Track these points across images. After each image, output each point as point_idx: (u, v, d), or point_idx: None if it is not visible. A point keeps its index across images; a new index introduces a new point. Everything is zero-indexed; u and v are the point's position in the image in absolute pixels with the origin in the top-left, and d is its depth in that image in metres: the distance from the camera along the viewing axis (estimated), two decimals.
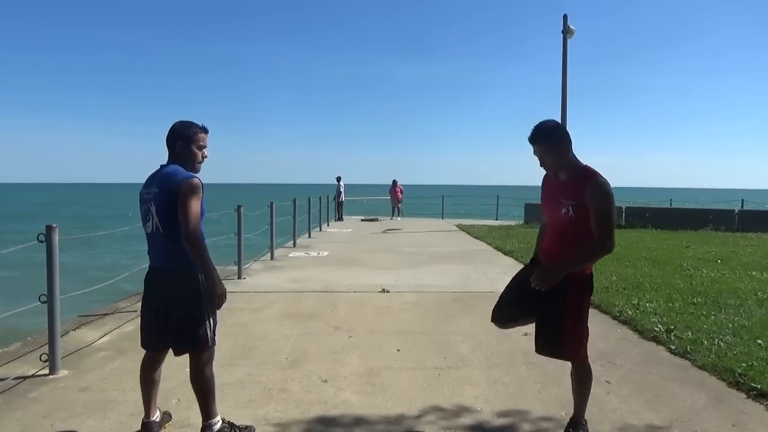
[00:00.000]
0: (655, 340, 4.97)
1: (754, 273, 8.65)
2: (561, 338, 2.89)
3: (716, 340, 4.77)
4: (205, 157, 2.97)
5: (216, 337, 2.93)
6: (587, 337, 2.96)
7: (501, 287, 3.23)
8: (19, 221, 32.93)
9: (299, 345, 4.82)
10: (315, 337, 5.08)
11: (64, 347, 4.33)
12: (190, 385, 2.92)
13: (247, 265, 9.14)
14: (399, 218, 22.69)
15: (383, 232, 17.12)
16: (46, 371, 4.01)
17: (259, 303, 6.50)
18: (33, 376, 3.97)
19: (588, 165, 2.86)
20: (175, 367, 3.54)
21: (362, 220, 22.20)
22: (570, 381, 3.08)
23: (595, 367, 4.22)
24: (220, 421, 2.97)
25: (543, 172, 3.03)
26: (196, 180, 2.78)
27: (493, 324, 3.12)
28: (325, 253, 11.51)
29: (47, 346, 4.06)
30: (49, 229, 4.03)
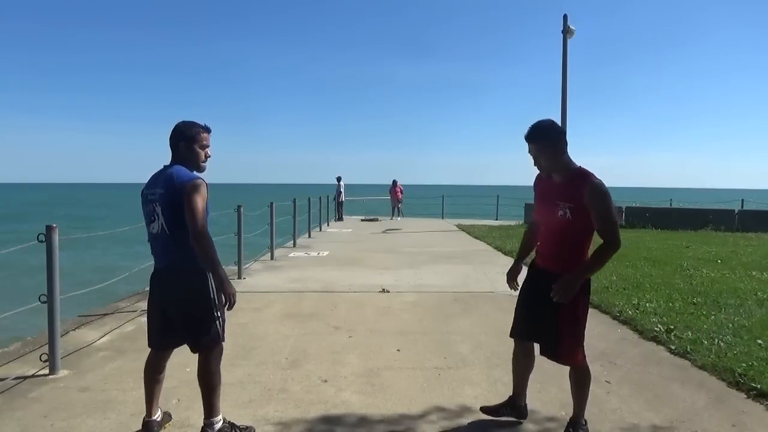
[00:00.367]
0: (655, 340, 4.97)
1: (754, 273, 8.65)
2: (559, 343, 2.90)
3: (716, 340, 4.77)
4: (209, 156, 2.98)
5: (224, 334, 2.95)
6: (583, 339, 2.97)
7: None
8: (4, 222, 32.05)
9: (299, 345, 4.82)
10: (315, 337, 5.08)
11: (64, 347, 4.33)
12: (191, 384, 2.92)
13: (247, 265, 9.14)
14: (399, 218, 22.69)
15: (383, 232, 17.12)
16: (46, 371, 4.01)
17: (259, 303, 6.50)
18: (33, 376, 3.97)
19: (582, 166, 2.86)
20: (176, 367, 3.54)
21: (362, 220, 22.20)
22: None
23: (595, 367, 4.23)
24: (222, 420, 2.97)
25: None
26: (200, 180, 2.80)
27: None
28: (325, 253, 11.51)
29: (47, 346, 4.06)
30: (49, 229, 4.03)
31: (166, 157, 2.96)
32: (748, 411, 3.45)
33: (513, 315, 3.21)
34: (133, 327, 5.33)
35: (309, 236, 15.06)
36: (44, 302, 4.03)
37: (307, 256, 11.08)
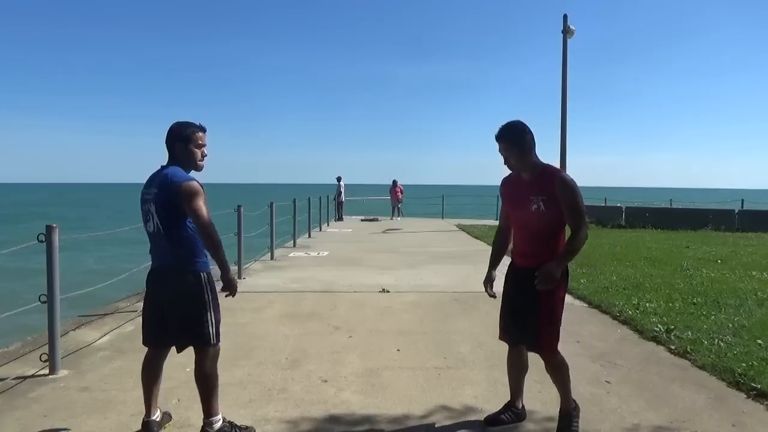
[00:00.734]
0: (655, 340, 4.97)
1: (754, 273, 8.65)
2: (539, 332, 2.97)
3: (716, 340, 4.77)
4: (205, 155, 3.00)
5: (219, 335, 2.96)
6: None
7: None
8: None
9: (299, 345, 4.82)
10: (315, 337, 5.08)
11: (64, 347, 4.33)
12: (191, 384, 2.93)
13: (247, 265, 9.15)
14: (399, 218, 22.70)
15: (383, 232, 17.13)
16: (46, 371, 4.01)
17: (259, 303, 6.49)
18: (33, 376, 3.97)
19: (549, 164, 3.04)
20: (175, 367, 3.54)
21: (362, 220, 22.20)
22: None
23: (595, 367, 4.24)
24: (221, 420, 2.98)
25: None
26: (194, 182, 2.82)
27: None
28: (325, 253, 11.52)
29: (47, 346, 4.06)
30: (49, 229, 4.03)
31: (165, 157, 2.96)
32: (748, 411, 3.45)
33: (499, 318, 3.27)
34: (132, 327, 5.33)
35: (309, 236, 15.06)
36: (44, 302, 4.03)
37: (307, 256, 11.08)
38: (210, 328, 2.89)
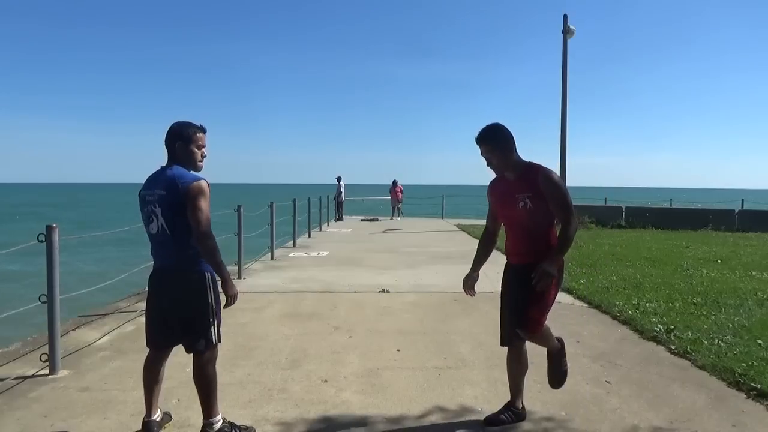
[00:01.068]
0: (655, 340, 4.97)
1: (754, 273, 8.65)
2: (527, 310, 3.00)
3: (716, 340, 4.77)
4: (205, 156, 2.99)
5: (220, 336, 2.96)
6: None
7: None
8: None
9: (299, 345, 4.82)
10: (315, 337, 5.07)
11: (64, 347, 4.33)
12: (191, 384, 2.93)
13: (247, 265, 9.15)
14: (399, 218, 22.69)
15: (383, 232, 17.13)
16: (46, 371, 4.01)
17: (259, 303, 6.49)
18: (33, 376, 3.97)
19: (531, 161, 3.08)
20: (175, 367, 3.54)
21: (362, 220, 22.19)
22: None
23: (595, 367, 4.24)
24: (221, 420, 2.97)
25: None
26: (204, 182, 2.81)
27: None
28: (325, 253, 11.52)
29: (47, 346, 4.06)
30: (49, 229, 4.03)
31: (165, 157, 2.96)
32: (748, 411, 3.45)
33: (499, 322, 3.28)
34: (133, 327, 5.33)
35: (309, 236, 15.06)
36: (44, 302, 4.03)
37: (307, 256, 11.08)
38: (212, 329, 2.90)
